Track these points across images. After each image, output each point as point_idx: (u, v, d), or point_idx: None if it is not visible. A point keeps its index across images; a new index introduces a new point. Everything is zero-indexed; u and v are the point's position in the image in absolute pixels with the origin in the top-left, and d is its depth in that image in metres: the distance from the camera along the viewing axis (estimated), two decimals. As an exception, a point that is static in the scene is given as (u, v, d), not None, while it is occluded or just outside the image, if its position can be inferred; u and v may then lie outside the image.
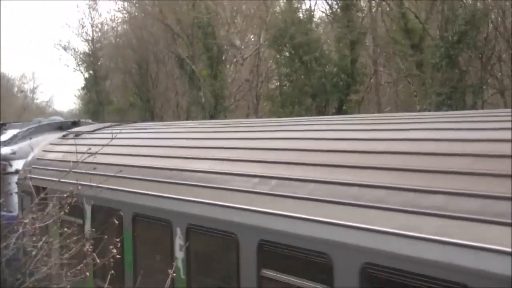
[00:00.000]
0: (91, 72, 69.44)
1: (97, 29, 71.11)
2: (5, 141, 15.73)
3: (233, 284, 8.03)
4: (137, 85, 61.07)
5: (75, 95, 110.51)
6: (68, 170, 9.11)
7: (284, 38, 39.85)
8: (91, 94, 68.05)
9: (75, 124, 18.05)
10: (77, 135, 14.06)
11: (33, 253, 7.87)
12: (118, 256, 7.41)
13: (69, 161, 10.50)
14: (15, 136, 16.11)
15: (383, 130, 8.29)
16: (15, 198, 13.34)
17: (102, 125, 15.97)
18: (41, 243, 7.79)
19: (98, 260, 7.54)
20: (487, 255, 5.00)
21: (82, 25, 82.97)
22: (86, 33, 71.48)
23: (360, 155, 7.35)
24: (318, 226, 6.69)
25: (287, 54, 42.15)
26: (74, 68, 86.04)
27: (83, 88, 72.60)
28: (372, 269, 5.95)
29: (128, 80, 62.82)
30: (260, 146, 9.25)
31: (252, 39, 53.02)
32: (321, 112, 37.95)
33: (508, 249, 4.79)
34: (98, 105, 65.78)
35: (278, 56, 44.18)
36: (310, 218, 6.82)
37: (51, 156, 13.51)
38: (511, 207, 5.07)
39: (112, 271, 7.78)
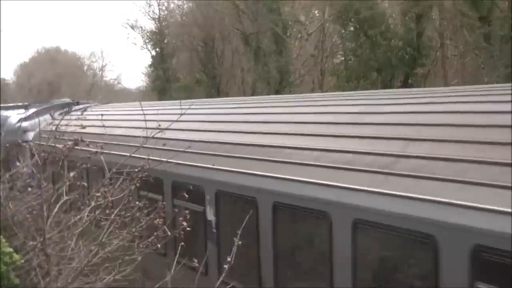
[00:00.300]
0: (158, 50, 70.11)
1: (164, 7, 71.76)
2: (25, 118, 20.08)
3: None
4: (203, 62, 61.46)
5: (142, 73, 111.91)
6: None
7: (349, 13, 39.53)
8: (158, 72, 68.75)
9: (78, 104, 20.87)
10: (67, 112, 16.51)
11: (106, 225, 8.19)
12: (188, 229, 7.68)
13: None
14: (33, 113, 19.96)
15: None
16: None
17: (91, 105, 18.69)
18: (113, 216, 8.10)
19: (169, 233, 7.81)
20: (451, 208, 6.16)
21: (149, 4, 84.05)
22: (153, 11, 72.24)
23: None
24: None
25: (352, 28, 41.80)
26: (141, 46, 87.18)
27: (150, 66, 73.45)
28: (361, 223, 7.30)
29: (194, 57, 63.22)
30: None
31: (317, 15, 52.69)
32: (386, 86, 37.58)
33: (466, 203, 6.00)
34: (165, 82, 66.47)
35: (343, 31, 43.86)
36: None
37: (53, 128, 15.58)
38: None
39: (183, 243, 8.06)
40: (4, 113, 23.86)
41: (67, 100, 24.51)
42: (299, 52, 51.81)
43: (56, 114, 18.06)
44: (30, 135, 18.61)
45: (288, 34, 49.36)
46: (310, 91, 47.83)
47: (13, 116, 22.01)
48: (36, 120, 18.62)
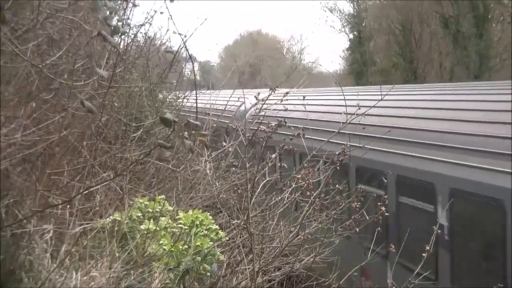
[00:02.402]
0: (355, 33, 70.00)
1: (362, -10, 71.25)
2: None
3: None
4: (400, 46, 60.46)
5: (339, 56, 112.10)
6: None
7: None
8: (355, 55, 68.65)
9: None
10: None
11: (305, 208, 8.30)
12: (386, 214, 7.59)
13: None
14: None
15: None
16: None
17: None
18: (312, 198, 8.19)
19: (367, 217, 7.77)
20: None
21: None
22: (352, -6, 71.97)
23: None
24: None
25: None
26: (339, 29, 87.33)
27: (347, 49, 73.56)
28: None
29: (392, 41, 62.35)
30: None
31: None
32: None
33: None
34: (362, 65, 66.27)
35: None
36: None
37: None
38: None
39: (379, 228, 7.99)
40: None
41: None
42: (500, 36, 49.23)
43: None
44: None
45: (489, 16, 47.13)
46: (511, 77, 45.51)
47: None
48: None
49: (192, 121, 4.36)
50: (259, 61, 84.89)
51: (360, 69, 65.83)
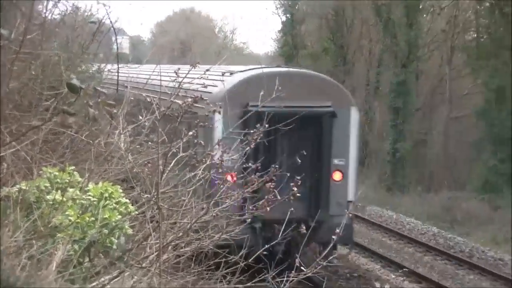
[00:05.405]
0: (288, 15, 70.10)
1: (296, -27, 71.31)
2: None
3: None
4: (331, 31, 60.96)
5: (271, 38, 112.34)
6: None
7: (487, -13, 38.05)
8: (287, 38, 68.78)
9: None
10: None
11: (220, 185, 8.32)
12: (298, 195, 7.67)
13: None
14: None
15: None
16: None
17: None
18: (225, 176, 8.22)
19: (279, 197, 7.82)
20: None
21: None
22: (286, -23, 71.97)
23: None
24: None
25: (487, 4, 40.14)
26: (272, 12, 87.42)
27: (279, 31, 73.63)
28: None
29: (324, 25, 62.78)
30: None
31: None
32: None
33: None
34: (292, 48, 66.47)
35: (478, 6, 42.28)
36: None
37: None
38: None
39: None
40: None
41: None
42: (429, 26, 50.27)
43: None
44: None
45: (420, 6, 48.02)
46: (438, 67, 46.88)
47: None
48: None
49: (99, 89, 4.28)
50: (190, 38, 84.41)
51: (291, 52, 66.10)
